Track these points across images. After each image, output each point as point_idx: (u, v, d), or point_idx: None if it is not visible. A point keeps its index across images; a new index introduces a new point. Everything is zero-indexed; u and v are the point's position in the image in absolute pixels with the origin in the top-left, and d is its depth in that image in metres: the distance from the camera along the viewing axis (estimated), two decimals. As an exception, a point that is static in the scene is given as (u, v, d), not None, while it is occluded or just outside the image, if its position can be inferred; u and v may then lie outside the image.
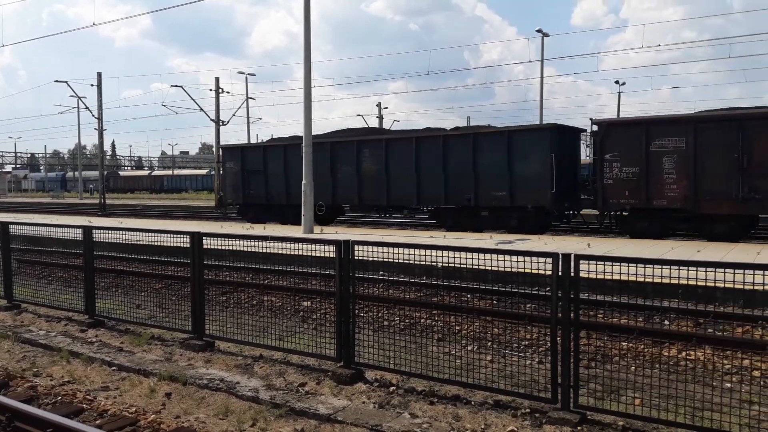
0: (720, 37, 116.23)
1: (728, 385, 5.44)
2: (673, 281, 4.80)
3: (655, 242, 14.03)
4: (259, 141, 27.84)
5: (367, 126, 22.33)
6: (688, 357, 6.29)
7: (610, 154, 15.50)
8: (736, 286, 7.41)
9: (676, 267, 4.44)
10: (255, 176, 21.87)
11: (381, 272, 10.64)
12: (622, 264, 4.51)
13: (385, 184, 18.92)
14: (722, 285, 7.65)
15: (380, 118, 50.48)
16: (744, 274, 4.17)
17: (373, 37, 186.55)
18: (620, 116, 48.41)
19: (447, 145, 17.81)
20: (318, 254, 7.68)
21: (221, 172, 25.36)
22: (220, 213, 29.78)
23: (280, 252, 6.85)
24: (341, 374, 5.55)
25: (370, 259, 5.93)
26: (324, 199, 20.02)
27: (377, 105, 50.20)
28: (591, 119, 16.94)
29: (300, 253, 6.86)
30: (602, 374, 5.36)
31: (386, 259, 5.89)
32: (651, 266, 4.45)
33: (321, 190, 19.09)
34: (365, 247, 5.77)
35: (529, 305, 8.32)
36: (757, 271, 4.14)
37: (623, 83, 50.49)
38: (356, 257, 5.74)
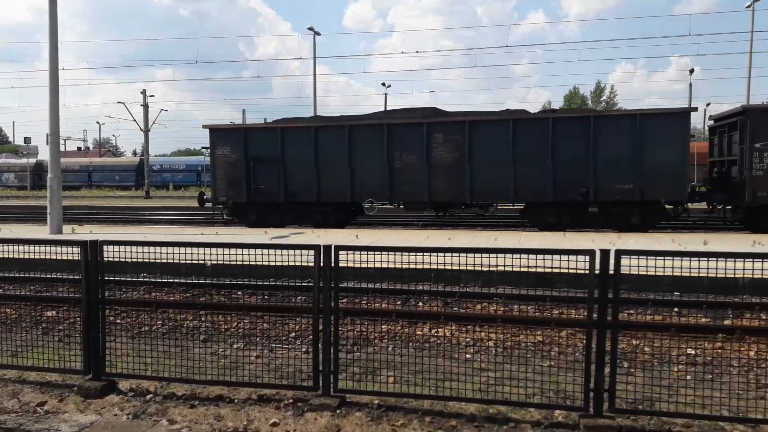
0: (472, 47, 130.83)
1: (468, 356, 6.16)
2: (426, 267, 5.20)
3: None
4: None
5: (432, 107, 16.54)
6: (436, 334, 6.99)
7: (761, 143, 14.38)
8: (476, 269, 8.53)
9: (428, 253, 4.83)
10: (266, 166, 17.02)
11: (143, 274, 9.93)
12: (382, 252, 4.80)
13: (468, 177, 15.77)
14: (466, 268, 8.66)
15: (145, 106, 46.97)
16: (482, 257, 4.70)
17: (138, 20, 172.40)
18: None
19: (556, 129, 15.24)
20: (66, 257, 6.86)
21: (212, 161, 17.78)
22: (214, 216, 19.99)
23: (20, 256, 5.95)
24: (89, 388, 5.03)
25: (131, 260, 5.49)
26: (375, 194, 16.48)
27: (142, 92, 46.57)
28: (743, 106, 15.24)
29: (44, 257, 6.04)
30: (364, 357, 5.69)
31: (148, 260, 5.52)
32: (407, 254, 4.79)
33: (371, 182, 16.30)
34: (122, 248, 5.30)
35: (300, 297, 8.49)
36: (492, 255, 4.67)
37: (389, 85, 53.95)
38: (110, 259, 5.26)
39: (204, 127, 17.75)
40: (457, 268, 8.40)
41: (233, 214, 18.14)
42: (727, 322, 7.20)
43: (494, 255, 4.63)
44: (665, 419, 4.36)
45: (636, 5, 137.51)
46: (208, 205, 18.35)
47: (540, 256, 4.66)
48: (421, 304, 8.53)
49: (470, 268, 8.34)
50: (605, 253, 4.17)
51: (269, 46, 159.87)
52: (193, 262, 6.16)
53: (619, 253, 4.20)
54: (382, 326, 7.13)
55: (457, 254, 4.81)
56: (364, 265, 5.00)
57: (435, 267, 8.29)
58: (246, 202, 17.31)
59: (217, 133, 17.56)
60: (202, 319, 7.62)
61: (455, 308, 8.17)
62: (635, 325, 6.87)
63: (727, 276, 4.35)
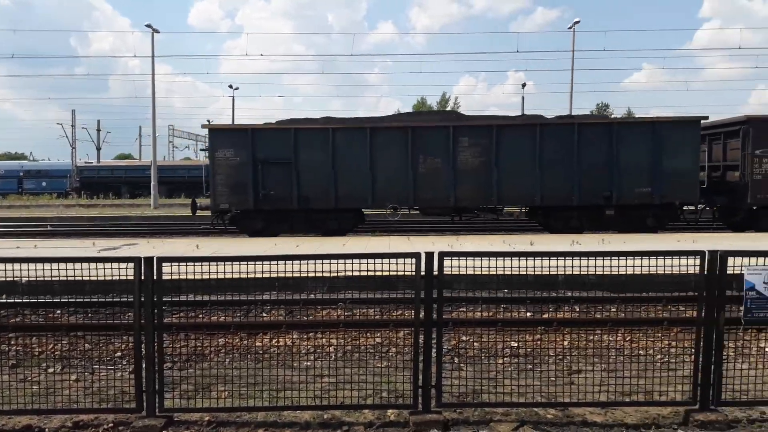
0: (323, 54, 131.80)
1: (307, 363, 6.11)
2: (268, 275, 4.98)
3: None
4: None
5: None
6: (277, 344, 6.86)
7: (761, 150, 15.82)
8: (324, 275, 8.51)
9: (270, 262, 4.67)
10: (277, 170, 15.59)
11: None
12: (217, 263, 4.57)
13: (495, 181, 15.68)
14: (312, 275, 8.60)
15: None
16: (323, 263, 4.67)
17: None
18: (234, 121, 50.35)
19: (582, 135, 15.66)
20: None
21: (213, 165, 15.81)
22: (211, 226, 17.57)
23: None
24: None
25: None
26: (399, 199, 15.89)
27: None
28: (747, 116, 16.36)
29: None
30: (199, 373, 5.40)
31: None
32: (247, 263, 4.59)
33: (394, 187, 15.72)
34: None
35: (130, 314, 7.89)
36: (333, 261, 4.66)
37: (237, 88, 52.52)
38: None
39: (203, 127, 16.46)
40: (305, 275, 8.33)
41: (234, 223, 16.57)
42: (546, 315, 7.90)
43: (342, 261, 4.65)
44: (488, 409, 4.64)
45: (479, 20, 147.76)
46: (199, 213, 16.89)
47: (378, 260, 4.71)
48: (264, 314, 8.35)
49: (317, 274, 8.34)
50: (429, 256, 4.34)
51: (105, 42, 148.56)
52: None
53: (442, 255, 4.40)
54: (219, 340, 6.85)
55: (304, 261, 4.74)
56: (190, 277, 4.73)
57: (280, 275, 8.19)
58: (252, 210, 15.94)
59: (216, 134, 16.06)
60: (12, 342, 6.79)
61: (298, 316, 8.10)
62: (464, 322, 7.27)
63: (551, 273, 4.75)
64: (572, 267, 4.56)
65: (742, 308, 4.48)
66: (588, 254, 4.53)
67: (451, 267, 4.46)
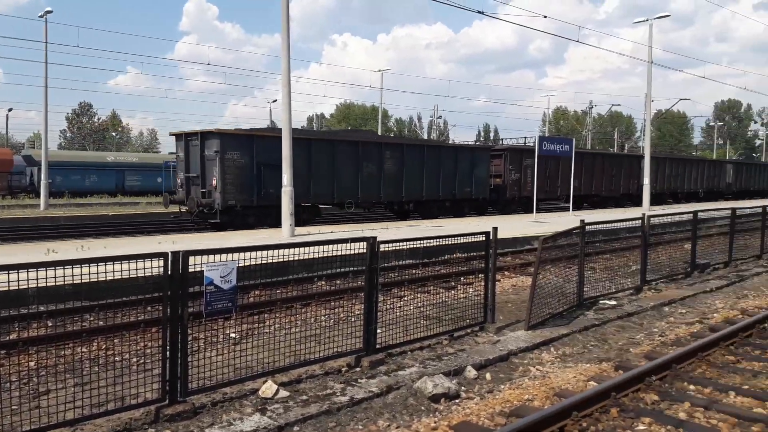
0: None
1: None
2: None
3: None
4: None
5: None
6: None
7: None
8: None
9: None
10: (273, 172, 17.16)
11: None
12: None
13: (404, 183, 22.14)
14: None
15: None
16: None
17: None
18: None
19: (442, 154, 23.81)
20: None
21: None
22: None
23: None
24: None
25: None
26: (351, 196, 20.58)
27: None
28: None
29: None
30: None
31: None
32: None
33: (350, 186, 20.48)
34: None
35: None
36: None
37: None
38: None
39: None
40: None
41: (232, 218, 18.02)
42: (13, 336, 6.93)
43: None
44: None
45: None
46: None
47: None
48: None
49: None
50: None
51: None
52: None
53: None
54: None
55: None
56: None
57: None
58: (255, 206, 18.31)
59: (227, 137, 17.90)
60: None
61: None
62: None
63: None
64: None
65: (203, 302, 4.91)
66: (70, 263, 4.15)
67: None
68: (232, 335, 7.03)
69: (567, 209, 26.27)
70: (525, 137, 31.30)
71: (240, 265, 5.16)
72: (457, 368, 6.00)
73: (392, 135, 77.72)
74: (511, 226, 18.73)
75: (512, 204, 26.81)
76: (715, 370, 6.07)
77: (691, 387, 5.52)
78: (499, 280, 10.32)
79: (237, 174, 17.63)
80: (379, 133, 43.16)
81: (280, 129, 15.93)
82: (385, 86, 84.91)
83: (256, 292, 9.13)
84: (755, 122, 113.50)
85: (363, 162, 20.67)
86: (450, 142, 45.00)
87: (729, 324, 7.68)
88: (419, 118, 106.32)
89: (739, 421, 4.72)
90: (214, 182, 17.44)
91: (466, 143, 32.99)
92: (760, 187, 47.66)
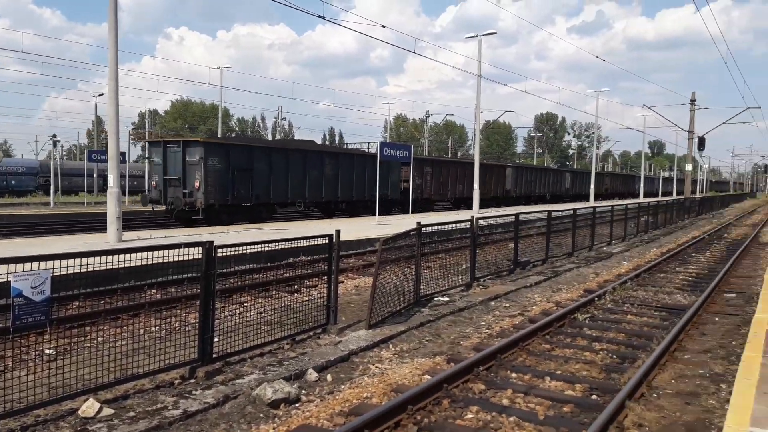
0: None
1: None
2: None
3: None
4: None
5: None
6: None
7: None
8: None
9: None
10: (243, 175, 21.17)
11: None
12: None
13: (339, 186, 25.58)
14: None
15: None
16: None
17: None
18: None
19: (356, 161, 26.79)
20: None
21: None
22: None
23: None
24: None
25: None
26: (301, 196, 23.79)
27: None
28: None
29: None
30: None
31: None
32: None
33: (300, 188, 23.66)
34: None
35: None
36: None
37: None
38: None
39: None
40: None
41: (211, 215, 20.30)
42: None
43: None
44: None
45: None
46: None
47: None
48: None
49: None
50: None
51: None
52: None
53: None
54: None
55: None
56: None
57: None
58: (229, 204, 20.91)
59: (210, 146, 20.56)
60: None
61: None
62: None
63: None
64: None
65: (10, 316, 4.35)
66: None
67: None
68: (47, 351, 6.32)
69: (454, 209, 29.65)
70: (369, 142, 34.33)
71: (55, 274, 4.66)
72: (298, 372, 5.94)
73: (236, 135, 75.59)
74: (357, 227, 19.09)
75: (415, 204, 29.51)
76: (534, 358, 6.68)
77: (513, 375, 6.02)
78: (342, 282, 10.45)
79: (216, 177, 20.26)
80: (219, 135, 43.61)
81: (253, 138, 18.83)
82: (227, 84, 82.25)
83: (76, 304, 8.31)
84: (568, 134, 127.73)
85: (308, 169, 24.04)
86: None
87: (545, 315, 8.50)
88: (263, 119, 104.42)
89: (553, 403, 5.23)
90: (197, 184, 19.76)
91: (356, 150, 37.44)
92: (587, 191, 54.55)
